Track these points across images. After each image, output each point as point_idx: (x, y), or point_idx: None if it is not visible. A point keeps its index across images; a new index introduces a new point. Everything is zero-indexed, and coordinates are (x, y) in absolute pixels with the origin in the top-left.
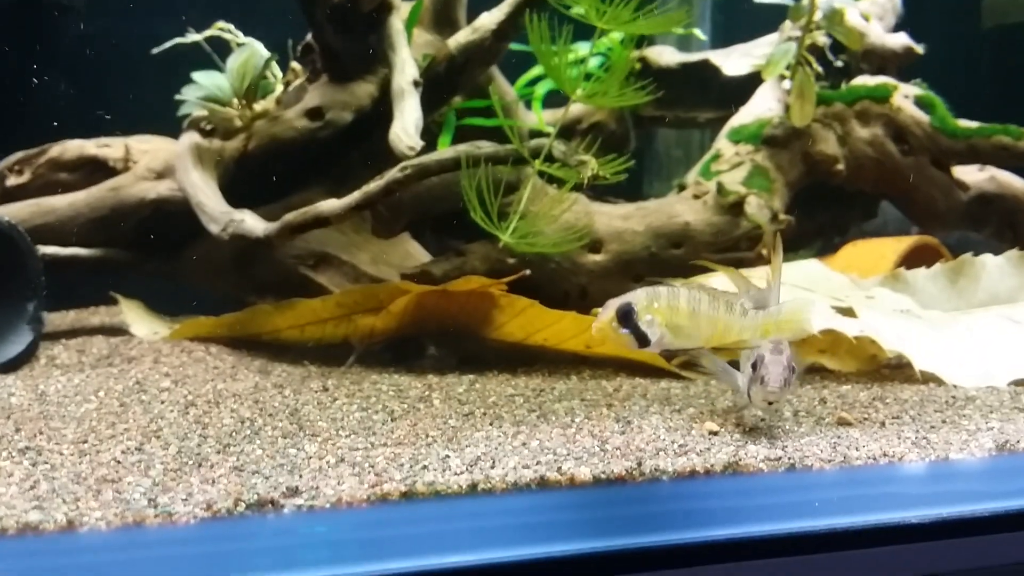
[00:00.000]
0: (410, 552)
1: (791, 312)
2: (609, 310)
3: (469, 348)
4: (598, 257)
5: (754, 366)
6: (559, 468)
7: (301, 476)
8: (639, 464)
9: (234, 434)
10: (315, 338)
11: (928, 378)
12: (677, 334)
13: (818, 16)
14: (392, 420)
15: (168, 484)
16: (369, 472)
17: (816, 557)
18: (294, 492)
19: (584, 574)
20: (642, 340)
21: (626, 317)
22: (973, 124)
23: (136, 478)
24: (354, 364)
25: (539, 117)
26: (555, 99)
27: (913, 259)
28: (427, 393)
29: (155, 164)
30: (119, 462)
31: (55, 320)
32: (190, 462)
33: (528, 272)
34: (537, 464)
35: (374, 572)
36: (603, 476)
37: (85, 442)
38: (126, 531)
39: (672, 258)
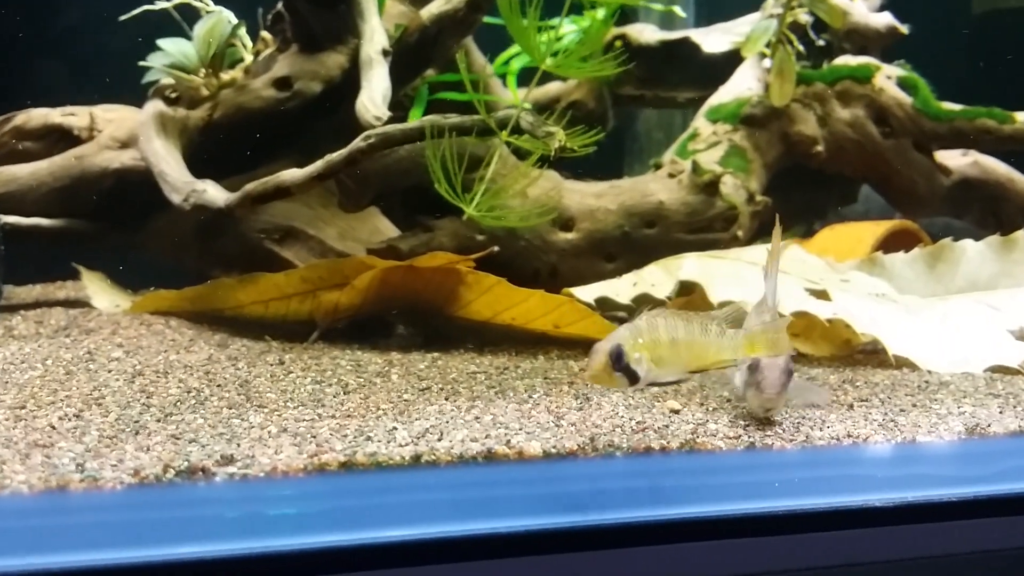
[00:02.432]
0: (335, 524)
1: (768, 332)
2: (601, 355)
3: (437, 326)
4: (569, 235)
5: (751, 369)
6: (508, 442)
7: (239, 445)
8: (592, 440)
9: (178, 404)
10: (280, 314)
11: (902, 363)
12: (660, 365)
13: None
14: (345, 393)
15: (101, 450)
16: (310, 442)
17: (771, 539)
18: (228, 460)
19: (509, 552)
20: (632, 378)
21: (618, 359)
22: (957, 106)
23: (69, 444)
24: (318, 340)
25: (514, 92)
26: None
27: (892, 244)
28: (386, 369)
29: (120, 133)
30: (54, 428)
31: (20, 293)
32: (127, 429)
33: (496, 249)
34: (486, 438)
35: (287, 545)
36: (554, 451)
37: (23, 408)
38: (48, 496)
39: (645, 237)
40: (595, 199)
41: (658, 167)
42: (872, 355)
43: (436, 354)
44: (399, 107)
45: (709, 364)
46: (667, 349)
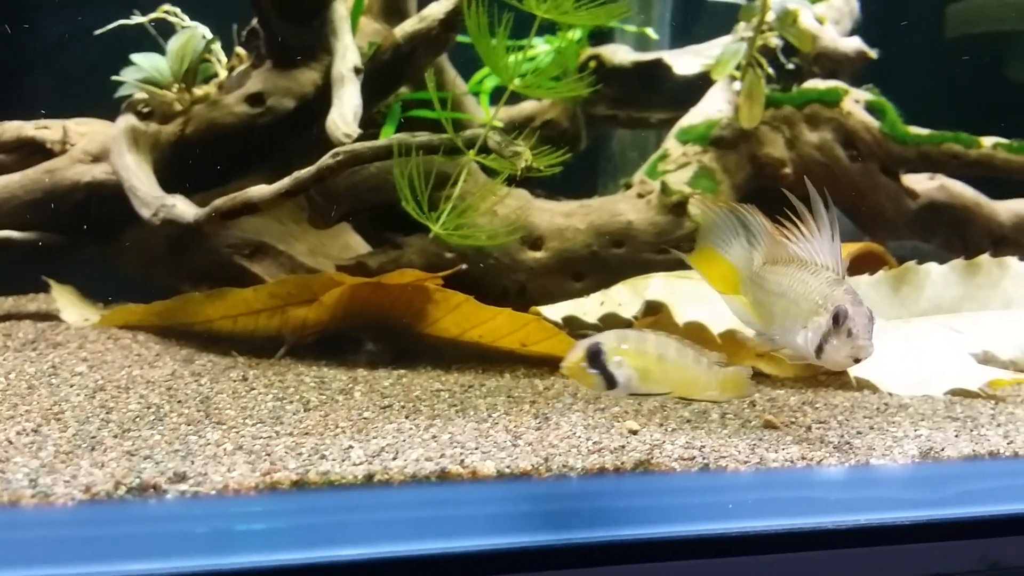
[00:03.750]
0: (281, 543)
1: (738, 373)
2: (578, 350)
3: (405, 343)
4: (538, 254)
5: (835, 320)
6: (462, 461)
7: (193, 462)
8: (547, 460)
9: (137, 420)
10: (248, 329)
11: (863, 385)
12: (646, 378)
13: (770, 17)
14: (305, 411)
15: (56, 466)
16: (264, 460)
17: (722, 561)
18: (181, 478)
19: (453, 573)
20: (610, 381)
21: (595, 357)
22: (924, 131)
23: (24, 459)
24: (285, 356)
25: (486, 110)
26: (511, 97)
27: (858, 266)
28: (350, 386)
29: (92, 147)
30: (11, 442)
31: None
32: (84, 445)
33: (464, 267)
34: (441, 457)
35: (230, 563)
36: (508, 471)
37: None
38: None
39: (613, 257)
40: (564, 218)
41: (628, 187)
42: (834, 377)
43: (402, 371)
44: (372, 124)
45: (697, 395)
46: (654, 363)
